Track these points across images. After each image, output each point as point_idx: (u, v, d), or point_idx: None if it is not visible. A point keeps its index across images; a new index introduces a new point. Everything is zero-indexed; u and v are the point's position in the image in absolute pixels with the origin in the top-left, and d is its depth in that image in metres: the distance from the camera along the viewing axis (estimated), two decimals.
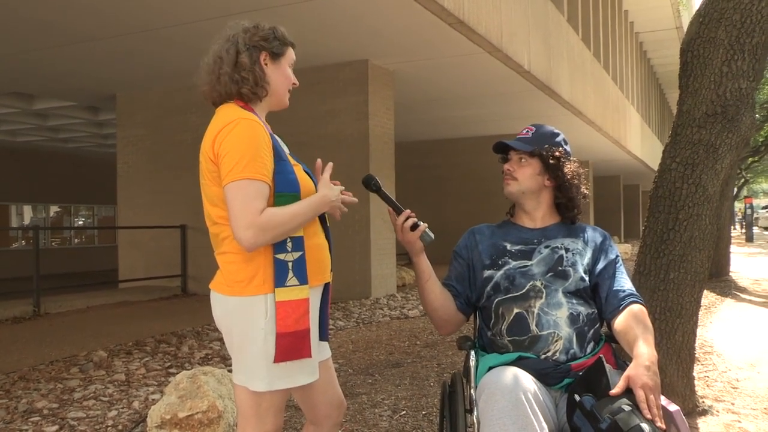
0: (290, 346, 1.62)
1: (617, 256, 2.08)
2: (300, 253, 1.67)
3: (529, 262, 2.01)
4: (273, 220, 1.60)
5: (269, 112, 1.86)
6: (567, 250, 2.03)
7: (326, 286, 1.82)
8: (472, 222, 2.35)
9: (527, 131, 2.13)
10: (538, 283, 1.97)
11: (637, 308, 1.92)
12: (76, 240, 20.33)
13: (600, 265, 2.03)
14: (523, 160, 2.08)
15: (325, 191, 1.75)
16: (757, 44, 3.13)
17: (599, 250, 2.06)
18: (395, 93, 9.19)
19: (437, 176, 16.01)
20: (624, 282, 2.00)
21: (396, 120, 9.43)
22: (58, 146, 17.54)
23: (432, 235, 1.95)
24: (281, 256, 1.65)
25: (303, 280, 1.66)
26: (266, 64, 1.76)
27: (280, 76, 1.80)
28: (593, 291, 2.01)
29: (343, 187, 1.81)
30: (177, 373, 3.82)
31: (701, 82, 3.24)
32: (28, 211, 19.33)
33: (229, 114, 1.67)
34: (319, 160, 1.85)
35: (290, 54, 1.83)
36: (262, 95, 1.76)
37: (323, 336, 1.84)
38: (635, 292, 1.99)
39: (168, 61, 8.33)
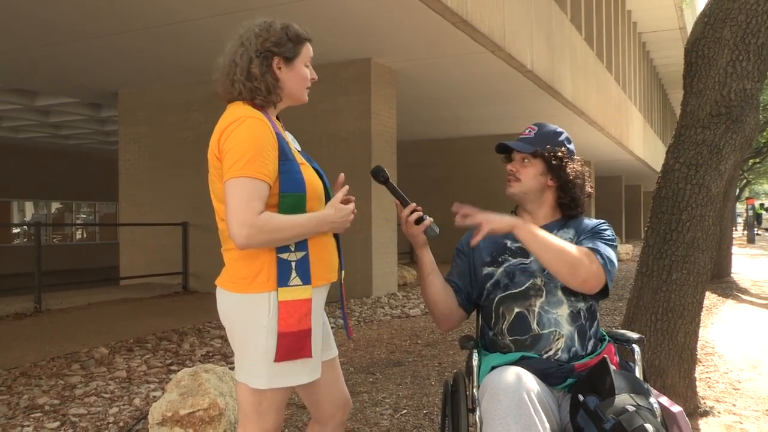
0: (291, 345, 1.62)
1: (603, 231, 2.02)
2: (303, 253, 1.67)
3: (527, 260, 2.01)
4: (270, 224, 1.59)
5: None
6: None
7: (339, 285, 1.83)
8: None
9: (529, 131, 2.11)
10: (538, 281, 1.97)
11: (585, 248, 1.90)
12: (77, 237, 20.35)
13: (581, 237, 2.00)
14: (525, 160, 2.07)
15: (329, 210, 1.72)
16: (762, 45, 3.12)
17: (585, 232, 2.03)
18: (397, 92, 9.18)
19: (439, 176, 15.98)
20: (597, 245, 1.94)
21: (398, 119, 9.42)
22: (60, 143, 17.56)
23: (437, 230, 1.94)
24: (284, 256, 1.65)
25: (306, 280, 1.66)
26: (279, 68, 1.74)
27: (295, 78, 1.77)
28: None
29: (353, 206, 1.77)
30: (178, 371, 3.82)
31: (706, 82, 3.23)
32: (29, 208, 19.36)
33: (236, 112, 1.66)
34: (341, 175, 1.83)
35: (306, 52, 1.79)
36: (276, 101, 1.75)
37: (347, 334, 1.89)
38: (600, 250, 1.92)
39: (170, 59, 8.33)
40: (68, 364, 4.71)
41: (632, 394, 1.65)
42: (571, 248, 1.89)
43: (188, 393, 2.98)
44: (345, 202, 1.77)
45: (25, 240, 18.50)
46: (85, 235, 20.63)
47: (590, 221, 2.08)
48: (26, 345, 5.46)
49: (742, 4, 3.10)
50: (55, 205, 19.85)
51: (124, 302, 8.41)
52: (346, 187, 1.79)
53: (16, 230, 18.87)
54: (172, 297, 9.08)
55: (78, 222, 20.65)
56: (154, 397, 3.82)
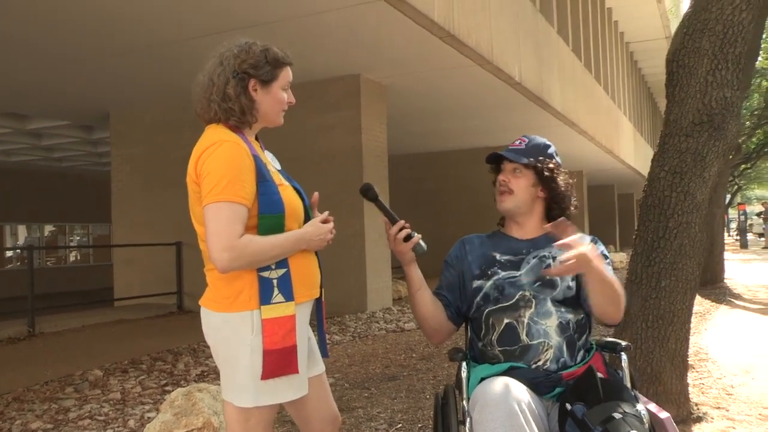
0: (277, 362, 1.63)
1: (601, 251, 2.05)
2: (284, 270, 1.68)
3: (518, 273, 2.02)
4: (250, 246, 1.61)
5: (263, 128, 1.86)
6: (554, 258, 2.04)
7: (318, 301, 1.83)
8: (464, 234, 2.36)
9: (520, 142, 2.14)
10: (527, 293, 1.99)
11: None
12: (71, 259, 20.27)
13: None
14: (517, 171, 2.09)
15: (308, 228, 1.75)
16: (740, 54, 3.18)
17: None
18: (387, 106, 9.24)
19: (430, 189, 16.03)
20: (612, 273, 1.99)
21: (388, 133, 9.48)
22: (53, 165, 17.54)
23: (425, 247, 1.97)
24: (265, 274, 1.66)
25: (289, 296, 1.67)
26: (255, 91, 1.74)
27: (271, 101, 1.77)
28: (579, 288, 2.00)
29: (331, 225, 1.81)
30: (173, 391, 3.81)
31: (687, 91, 3.29)
32: (22, 231, 19.28)
33: (212, 136, 1.68)
34: (315, 195, 1.86)
35: (284, 76, 1.79)
36: (251, 122, 1.76)
37: (324, 353, 1.85)
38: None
39: (161, 79, 8.37)
40: (62, 387, 4.69)
41: (619, 402, 1.66)
42: (620, 286, 1.90)
43: (182, 413, 2.98)
44: (325, 222, 1.79)
45: (18, 264, 18.42)
46: (78, 258, 20.55)
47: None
48: (19, 369, 5.42)
49: (719, 15, 3.17)
50: (49, 228, 19.79)
51: (119, 323, 8.37)
52: (327, 212, 1.82)
53: (9, 254, 18.79)
54: (167, 317, 9.04)
55: (72, 244, 20.58)
56: (149, 418, 3.81)
